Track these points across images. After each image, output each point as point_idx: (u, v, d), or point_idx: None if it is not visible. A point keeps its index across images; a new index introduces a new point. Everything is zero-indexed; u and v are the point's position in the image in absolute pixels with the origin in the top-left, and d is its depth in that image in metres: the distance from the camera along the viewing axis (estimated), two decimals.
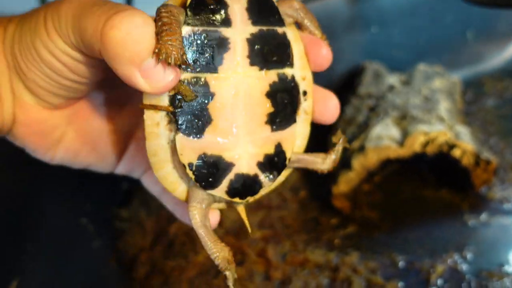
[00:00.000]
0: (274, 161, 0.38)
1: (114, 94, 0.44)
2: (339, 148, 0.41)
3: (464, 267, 0.69)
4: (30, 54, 0.36)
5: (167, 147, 0.36)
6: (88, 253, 0.76)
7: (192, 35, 0.34)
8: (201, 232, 0.37)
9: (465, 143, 0.74)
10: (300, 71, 0.38)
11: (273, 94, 0.36)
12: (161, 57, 0.32)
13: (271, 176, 0.38)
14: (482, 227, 0.74)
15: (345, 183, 0.76)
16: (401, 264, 0.70)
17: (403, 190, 0.81)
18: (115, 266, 0.75)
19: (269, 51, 0.36)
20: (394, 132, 0.77)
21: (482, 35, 1.02)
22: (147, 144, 0.36)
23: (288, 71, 0.37)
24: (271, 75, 0.36)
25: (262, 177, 0.37)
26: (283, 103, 0.37)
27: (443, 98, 0.86)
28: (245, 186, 0.37)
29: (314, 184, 0.82)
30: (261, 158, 0.37)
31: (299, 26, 0.39)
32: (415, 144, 0.74)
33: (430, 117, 0.79)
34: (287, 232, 0.76)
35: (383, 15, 0.99)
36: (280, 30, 0.37)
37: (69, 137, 0.42)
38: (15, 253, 0.70)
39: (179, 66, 0.33)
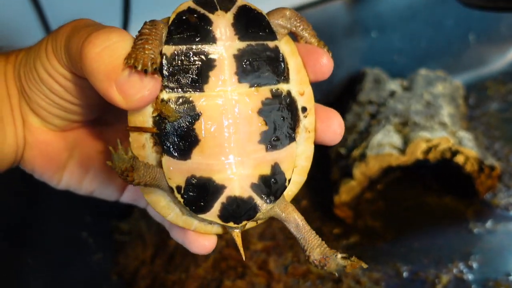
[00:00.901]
0: (271, 183, 0.35)
1: (119, 120, 0.44)
2: (340, 262, 0.38)
3: (469, 276, 0.67)
4: (32, 75, 0.38)
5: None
6: (88, 267, 0.75)
7: (174, 53, 0.33)
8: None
9: (468, 149, 0.73)
10: (297, 86, 0.36)
11: (266, 111, 0.35)
12: (128, 62, 0.31)
13: (268, 199, 0.35)
14: (487, 234, 0.73)
15: (346, 192, 0.75)
16: (405, 274, 0.69)
17: (406, 198, 0.80)
18: (116, 279, 0.74)
19: (260, 66, 0.34)
20: (396, 139, 0.76)
21: (483, 38, 1.01)
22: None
23: (283, 87, 0.35)
24: (263, 92, 0.35)
25: (258, 200, 0.35)
26: (279, 121, 0.35)
27: (446, 103, 0.85)
28: (239, 209, 0.35)
29: (316, 193, 0.81)
30: (255, 180, 0.35)
31: (294, 36, 0.38)
32: (417, 151, 0.73)
33: (433, 123, 0.78)
34: (289, 243, 0.75)
35: (383, 20, 0.98)
36: (271, 44, 0.35)
37: (74, 161, 0.43)
38: (16, 267, 0.69)
39: (145, 72, 0.31)
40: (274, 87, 0.35)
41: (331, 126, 0.38)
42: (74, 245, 0.77)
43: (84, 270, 0.75)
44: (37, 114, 0.40)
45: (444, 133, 0.75)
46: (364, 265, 0.38)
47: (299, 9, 0.92)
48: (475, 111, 0.95)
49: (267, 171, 0.35)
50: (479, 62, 1.02)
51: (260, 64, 0.35)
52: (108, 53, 0.31)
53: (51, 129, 0.41)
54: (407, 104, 0.84)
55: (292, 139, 0.36)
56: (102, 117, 0.44)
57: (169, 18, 0.34)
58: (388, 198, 0.80)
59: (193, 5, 0.34)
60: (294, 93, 0.36)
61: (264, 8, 0.36)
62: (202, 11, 0.34)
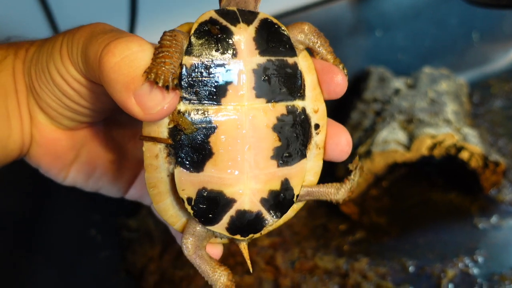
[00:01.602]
0: (280, 198, 0.35)
1: (128, 120, 0.44)
2: (354, 176, 0.39)
3: (475, 271, 0.68)
4: (44, 76, 0.37)
5: (167, 179, 0.35)
6: (97, 263, 0.76)
7: (195, 65, 0.32)
8: (196, 262, 0.36)
9: (473, 145, 0.74)
10: (312, 103, 0.36)
11: (280, 127, 0.34)
12: (149, 76, 0.30)
13: (276, 214, 0.36)
14: (492, 230, 0.73)
15: None
16: (411, 269, 0.69)
17: (412, 194, 0.81)
18: (124, 275, 0.75)
19: (278, 82, 0.34)
20: (401, 136, 0.77)
21: (487, 36, 1.02)
22: (146, 176, 0.35)
23: (298, 103, 0.35)
24: (279, 108, 0.34)
25: (266, 214, 0.35)
26: (292, 137, 0.35)
27: (450, 100, 0.86)
28: (247, 223, 0.35)
29: None
30: (265, 195, 0.35)
31: (311, 51, 0.37)
32: (422, 147, 0.74)
33: (437, 120, 0.79)
34: (295, 239, 0.76)
35: (387, 19, 0.98)
36: (290, 60, 0.35)
37: (82, 159, 0.43)
38: (27, 264, 0.70)
39: (167, 88, 0.31)
40: (290, 103, 0.35)
41: (339, 144, 0.37)
42: (83, 243, 0.78)
43: (93, 266, 0.76)
44: (46, 112, 0.39)
45: (449, 130, 0.76)
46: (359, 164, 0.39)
47: (304, 9, 0.93)
48: (479, 109, 0.95)
49: (277, 186, 0.35)
50: (482, 60, 1.02)
51: (279, 80, 0.34)
52: (127, 63, 0.31)
53: (59, 128, 0.40)
54: (412, 101, 0.84)
55: (303, 155, 0.36)
56: (110, 116, 0.44)
57: (188, 25, 0.34)
58: (394, 195, 0.81)
59: (215, 16, 0.33)
60: (309, 110, 0.36)
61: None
62: (224, 22, 0.33)
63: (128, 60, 0.31)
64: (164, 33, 0.32)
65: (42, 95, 0.38)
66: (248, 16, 0.34)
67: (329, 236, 0.76)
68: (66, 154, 0.41)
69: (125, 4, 0.83)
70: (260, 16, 0.34)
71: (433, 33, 1.00)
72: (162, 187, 0.35)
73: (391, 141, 0.76)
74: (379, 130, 0.79)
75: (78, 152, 0.42)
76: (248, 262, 0.38)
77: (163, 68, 0.31)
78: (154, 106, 0.31)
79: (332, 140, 0.37)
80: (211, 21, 0.33)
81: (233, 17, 0.33)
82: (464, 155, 0.74)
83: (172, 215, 0.36)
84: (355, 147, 0.79)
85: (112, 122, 0.44)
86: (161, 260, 0.75)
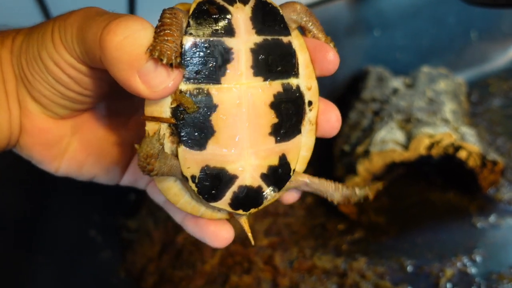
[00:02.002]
0: (279, 173, 0.37)
1: (120, 106, 0.44)
2: (361, 192, 0.40)
3: (473, 270, 0.68)
4: (36, 64, 0.36)
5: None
6: (97, 264, 0.76)
7: (194, 45, 0.33)
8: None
9: (471, 144, 0.74)
10: (305, 80, 0.37)
11: (277, 104, 0.36)
12: (153, 53, 0.31)
13: (275, 188, 0.37)
14: (491, 229, 0.73)
15: None
16: (409, 268, 0.70)
17: (410, 193, 0.81)
18: (124, 276, 0.75)
19: (274, 61, 0.35)
20: (399, 135, 0.77)
21: (485, 35, 1.02)
22: (142, 143, 0.35)
23: (293, 81, 0.37)
24: (276, 86, 0.36)
25: (266, 188, 0.37)
26: (288, 114, 0.36)
27: (448, 99, 0.86)
28: (248, 198, 0.37)
29: None
30: (265, 170, 0.36)
31: (302, 30, 0.39)
32: (420, 147, 0.74)
33: (435, 119, 0.79)
34: (294, 238, 0.76)
35: (385, 18, 0.98)
36: (285, 39, 0.36)
37: (74, 147, 0.42)
38: (26, 264, 0.70)
39: (171, 66, 0.32)
40: (285, 81, 0.36)
41: (330, 121, 0.39)
42: (83, 243, 0.78)
43: (92, 267, 0.76)
44: (39, 102, 0.38)
45: (447, 129, 0.76)
46: (380, 186, 0.41)
47: None
48: (477, 108, 0.96)
49: (275, 161, 0.37)
50: (481, 59, 1.02)
51: (275, 58, 0.35)
52: (130, 41, 0.31)
53: (51, 117, 0.40)
54: (410, 101, 0.85)
55: (298, 131, 0.37)
56: (102, 103, 0.43)
57: (184, 5, 0.35)
58: (392, 194, 0.81)
59: None
60: (303, 88, 0.37)
61: None
62: (222, 2, 0.34)
63: (131, 38, 0.31)
64: (164, 11, 0.33)
65: (35, 84, 0.37)
66: None
67: (328, 235, 0.76)
68: (58, 143, 0.41)
69: (123, 2, 0.83)
70: None
71: (432, 32, 1.00)
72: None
73: (389, 140, 0.76)
74: (377, 129, 0.79)
75: (70, 140, 0.42)
76: (250, 235, 0.40)
77: (166, 46, 0.31)
78: (159, 83, 0.32)
79: (323, 116, 0.39)
80: (209, 0, 0.34)
81: None
82: (462, 154, 0.74)
83: (175, 193, 0.37)
84: (353, 147, 0.80)
85: (103, 108, 0.44)
86: (160, 260, 0.75)
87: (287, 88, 0.36)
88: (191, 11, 0.33)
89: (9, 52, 0.38)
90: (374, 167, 0.75)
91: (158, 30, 0.32)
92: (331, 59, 0.37)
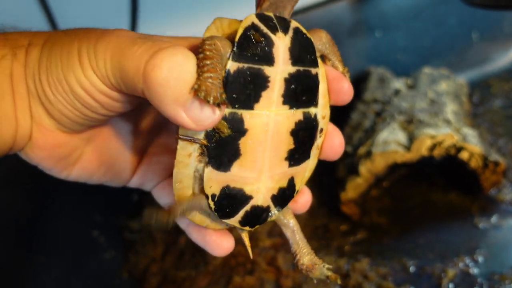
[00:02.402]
0: (286, 194, 0.39)
1: (130, 113, 0.44)
2: (324, 272, 0.42)
3: (475, 270, 0.68)
4: (61, 87, 0.36)
5: (192, 176, 0.37)
6: (99, 265, 0.77)
7: (237, 71, 0.34)
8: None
9: (473, 145, 0.74)
10: (322, 110, 0.39)
11: (296, 132, 0.37)
12: (199, 94, 0.31)
13: (279, 208, 0.39)
14: (492, 229, 0.74)
15: (353, 189, 0.76)
16: (412, 269, 0.70)
17: (412, 194, 0.81)
18: (126, 277, 0.75)
19: (301, 91, 0.36)
20: (401, 136, 0.77)
21: (487, 36, 1.02)
22: (174, 171, 0.36)
23: (312, 110, 0.38)
24: (298, 114, 0.37)
25: (273, 208, 0.39)
26: (304, 141, 0.38)
27: (450, 100, 0.86)
28: (257, 216, 0.38)
29: (323, 191, 0.82)
30: (275, 192, 0.38)
31: (323, 58, 0.40)
32: (422, 148, 0.74)
33: (437, 120, 0.79)
34: None
35: (387, 20, 0.99)
36: (313, 70, 0.37)
37: (86, 157, 0.42)
38: (29, 265, 0.70)
39: (218, 105, 0.32)
40: (306, 110, 0.37)
41: (334, 146, 0.41)
42: (86, 244, 0.78)
43: (95, 268, 0.76)
44: (57, 120, 0.38)
45: (449, 130, 0.76)
46: (339, 281, 0.42)
47: (303, 10, 0.94)
48: (479, 109, 0.96)
49: (285, 184, 0.39)
50: (482, 60, 1.02)
51: (303, 89, 0.37)
52: (174, 77, 0.31)
53: (67, 132, 0.39)
54: (412, 102, 0.85)
55: (308, 156, 0.39)
56: None
57: (223, 20, 0.35)
58: (394, 195, 0.81)
59: (256, 21, 0.34)
60: (319, 117, 0.39)
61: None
62: (265, 30, 0.34)
63: (176, 73, 0.31)
64: (204, 42, 0.33)
65: (56, 104, 0.37)
66: (283, 24, 0.35)
67: (330, 236, 0.77)
68: (71, 155, 0.41)
69: (126, 4, 0.83)
70: (293, 25, 0.36)
71: (433, 33, 1.01)
72: (186, 182, 0.37)
73: (391, 141, 0.76)
74: (379, 130, 0.79)
75: (82, 150, 0.42)
76: (249, 249, 0.42)
77: (211, 84, 0.32)
78: (206, 119, 0.33)
79: (327, 141, 0.40)
80: (254, 27, 0.34)
81: (272, 25, 0.35)
82: (464, 155, 0.74)
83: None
84: (355, 148, 0.80)
85: (114, 118, 0.43)
86: (163, 261, 0.76)
87: (307, 117, 0.37)
88: (237, 37, 0.34)
89: (23, 65, 0.37)
90: (376, 168, 0.75)
91: (201, 64, 0.32)
92: (346, 91, 0.39)
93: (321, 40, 0.38)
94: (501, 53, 1.03)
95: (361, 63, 0.98)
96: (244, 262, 0.73)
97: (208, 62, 0.32)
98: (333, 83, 0.39)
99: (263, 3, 0.36)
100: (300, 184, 0.40)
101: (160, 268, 0.75)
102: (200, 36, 0.35)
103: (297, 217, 0.82)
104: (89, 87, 0.35)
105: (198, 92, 0.31)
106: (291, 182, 0.39)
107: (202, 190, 0.37)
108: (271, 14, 0.35)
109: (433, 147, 0.74)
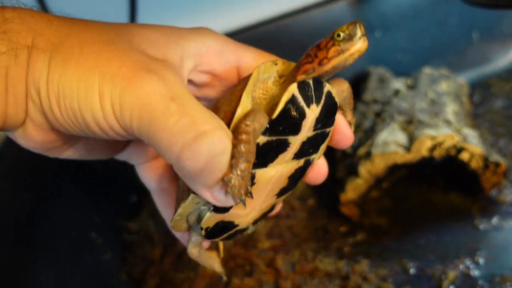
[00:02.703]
0: (265, 214, 0.41)
1: None
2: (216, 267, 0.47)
3: (476, 272, 0.68)
4: (73, 115, 0.34)
5: (193, 214, 0.40)
6: (97, 266, 0.76)
7: (265, 143, 0.34)
8: (201, 261, 0.45)
9: (473, 146, 0.74)
10: (320, 153, 0.40)
11: (293, 175, 0.38)
12: (229, 190, 0.32)
13: (256, 225, 0.42)
14: (493, 231, 0.73)
15: (353, 190, 0.75)
16: (412, 270, 0.69)
17: (412, 195, 0.80)
18: (125, 278, 0.75)
19: (312, 148, 0.37)
20: (401, 137, 0.77)
21: (487, 36, 1.01)
22: (179, 211, 0.38)
23: (313, 157, 0.39)
24: (300, 162, 0.38)
25: (251, 227, 0.42)
26: (296, 180, 0.39)
27: (450, 101, 0.86)
28: (236, 234, 0.41)
29: (322, 192, 0.82)
30: (258, 216, 0.41)
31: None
32: (422, 148, 0.74)
33: (437, 121, 0.79)
34: (296, 241, 0.76)
35: (386, 19, 0.98)
36: (329, 129, 0.38)
37: (79, 145, 0.42)
38: (26, 266, 0.70)
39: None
40: (308, 158, 0.38)
41: (319, 173, 0.43)
42: (84, 245, 0.78)
43: (93, 269, 0.76)
44: (56, 127, 0.36)
45: (449, 131, 0.76)
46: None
47: (303, 10, 0.93)
48: (479, 109, 0.95)
49: (267, 209, 0.41)
50: (483, 60, 1.02)
51: (314, 146, 0.38)
52: (210, 167, 0.32)
53: (63, 131, 0.38)
54: (412, 102, 0.84)
55: (295, 186, 0.41)
56: None
57: (252, 80, 0.35)
58: (394, 196, 0.81)
59: (297, 93, 0.34)
60: (316, 160, 0.40)
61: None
62: (302, 103, 0.34)
63: (211, 164, 0.32)
64: (243, 123, 0.32)
65: (64, 124, 0.35)
66: (318, 92, 0.35)
67: (330, 238, 0.76)
68: (64, 145, 0.40)
69: (125, 4, 0.83)
70: (326, 90, 0.35)
71: (433, 33, 1.00)
72: (185, 217, 0.40)
73: (391, 142, 0.75)
74: (379, 131, 0.79)
75: (76, 140, 0.41)
76: (222, 253, 0.46)
77: (241, 180, 0.32)
78: (228, 203, 0.34)
79: (313, 171, 0.43)
80: (292, 100, 0.34)
81: (309, 96, 0.34)
82: (465, 156, 0.73)
83: (179, 225, 0.42)
84: (355, 149, 0.79)
85: None
86: (161, 263, 0.75)
87: (306, 162, 0.38)
88: (276, 114, 0.34)
89: (23, 69, 0.35)
90: (376, 168, 0.74)
91: (238, 156, 0.32)
92: (348, 138, 0.40)
93: (342, 94, 0.38)
94: (501, 53, 1.02)
95: (361, 63, 0.97)
96: (243, 263, 0.73)
97: (243, 149, 0.32)
98: (338, 133, 0.40)
99: (308, 73, 0.34)
100: (280, 202, 0.42)
101: (158, 270, 0.74)
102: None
103: (297, 218, 0.81)
104: (107, 130, 0.34)
105: (228, 188, 0.32)
106: (273, 206, 0.41)
107: (196, 220, 0.40)
108: (310, 81, 0.35)
109: (433, 148, 0.74)
